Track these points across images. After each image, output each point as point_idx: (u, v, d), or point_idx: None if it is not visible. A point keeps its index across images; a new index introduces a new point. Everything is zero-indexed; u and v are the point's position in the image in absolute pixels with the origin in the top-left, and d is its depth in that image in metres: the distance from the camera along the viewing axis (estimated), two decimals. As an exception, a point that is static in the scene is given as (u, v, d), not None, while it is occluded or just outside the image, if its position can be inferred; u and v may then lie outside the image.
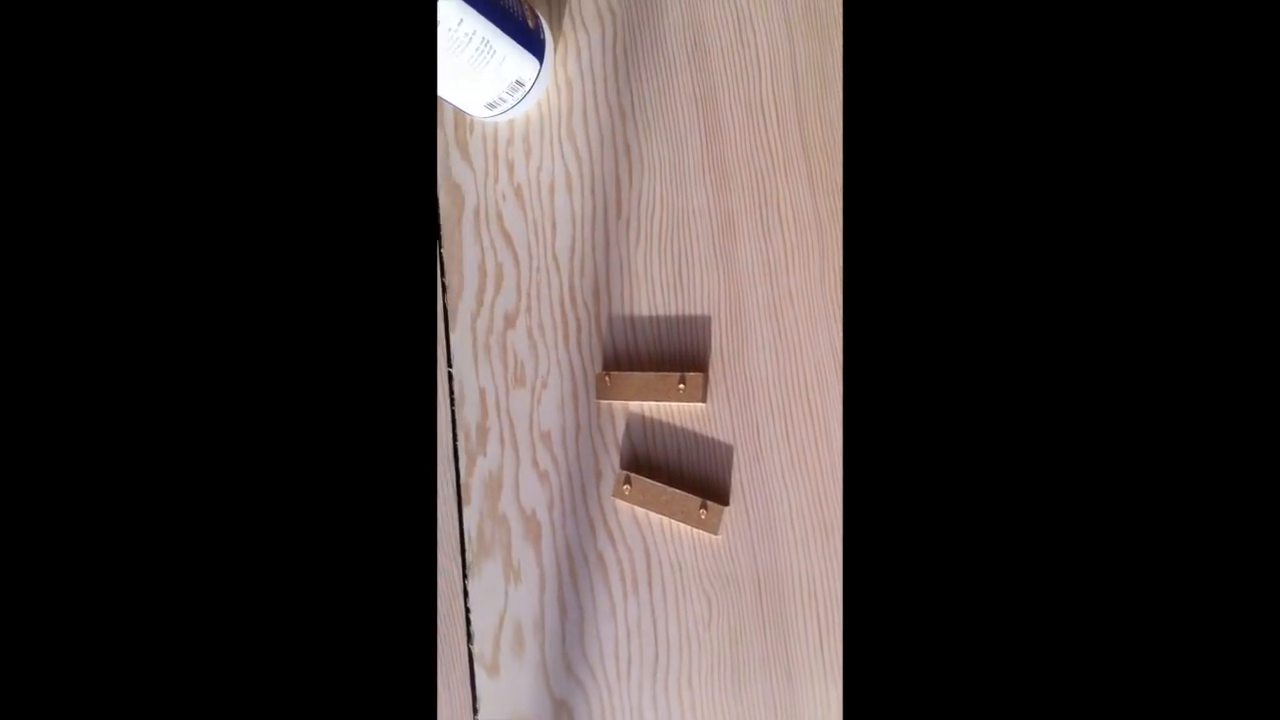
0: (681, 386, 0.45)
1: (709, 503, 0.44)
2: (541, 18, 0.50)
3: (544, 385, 0.49)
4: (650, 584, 0.46)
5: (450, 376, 0.51)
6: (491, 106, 0.49)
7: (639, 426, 0.47)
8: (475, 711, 0.48)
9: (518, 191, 0.51)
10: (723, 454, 0.45)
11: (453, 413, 0.50)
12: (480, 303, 0.51)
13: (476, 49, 0.43)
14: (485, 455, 0.49)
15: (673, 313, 0.47)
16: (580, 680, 0.46)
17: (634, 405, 0.47)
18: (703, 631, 0.44)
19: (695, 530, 0.45)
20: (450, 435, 0.50)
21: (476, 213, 0.51)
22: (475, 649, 0.48)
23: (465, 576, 0.49)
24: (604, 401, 0.47)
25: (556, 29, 0.52)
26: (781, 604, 0.43)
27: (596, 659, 0.46)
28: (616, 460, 0.47)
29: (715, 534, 0.44)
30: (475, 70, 0.45)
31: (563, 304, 0.49)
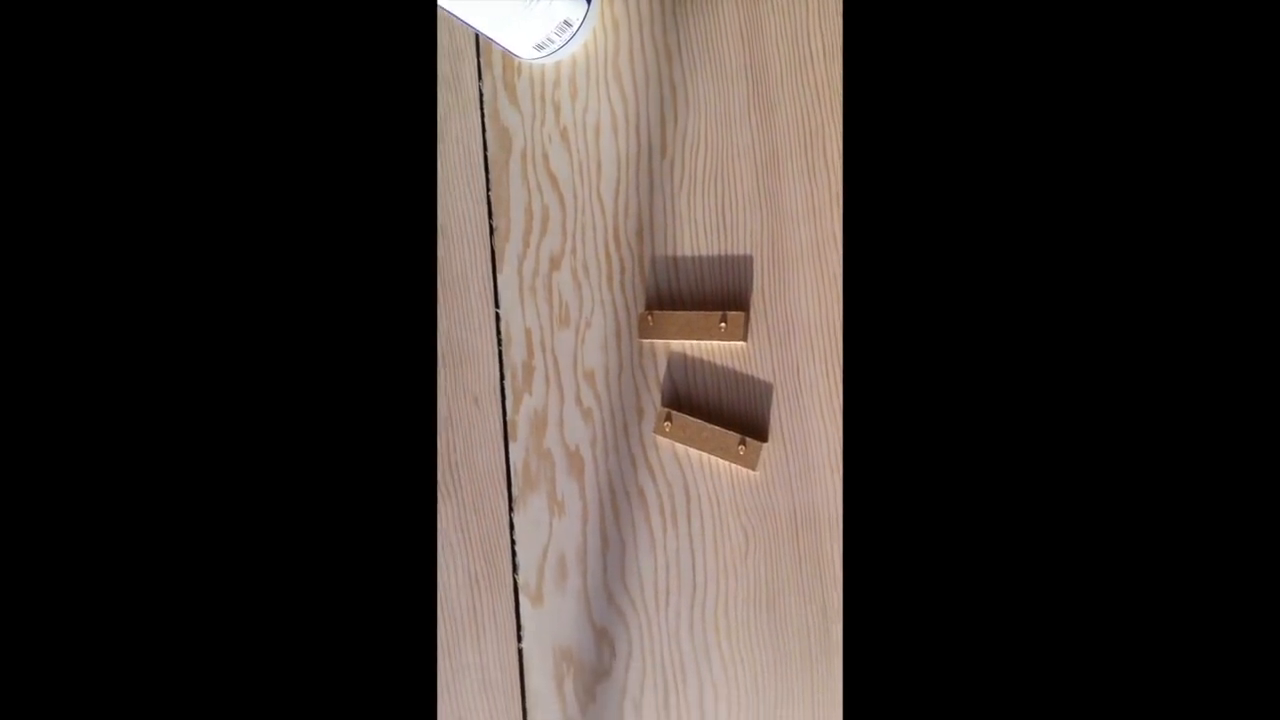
0: (723, 325, 0.45)
1: (748, 439, 0.44)
2: (588, -43, 0.50)
3: (588, 325, 0.50)
4: (689, 517, 0.47)
5: (498, 318, 0.52)
6: (540, 48, 0.49)
7: (680, 365, 0.48)
8: (519, 639, 0.50)
9: (564, 133, 0.51)
10: (762, 392, 0.46)
11: (500, 353, 0.52)
12: (526, 245, 0.52)
13: (523, -13, 0.44)
14: (531, 394, 0.51)
15: (715, 253, 0.48)
16: (620, 609, 0.48)
17: (675, 344, 0.48)
18: (740, 564, 0.46)
19: (733, 466, 0.45)
20: (498, 374, 0.52)
21: (524, 155, 0.52)
22: (520, 579, 0.50)
23: (511, 510, 0.51)
24: (646, 340, 0.48)
25: (603, -31, 0.52)
26: (818, 540, 0.44)
27: (636, 589, 0.48)
28: (658, 398, 0.48)
29: (753, 470, 0.44)
30: (526, 10, 0.45)
31: (607, 245, 0.50)
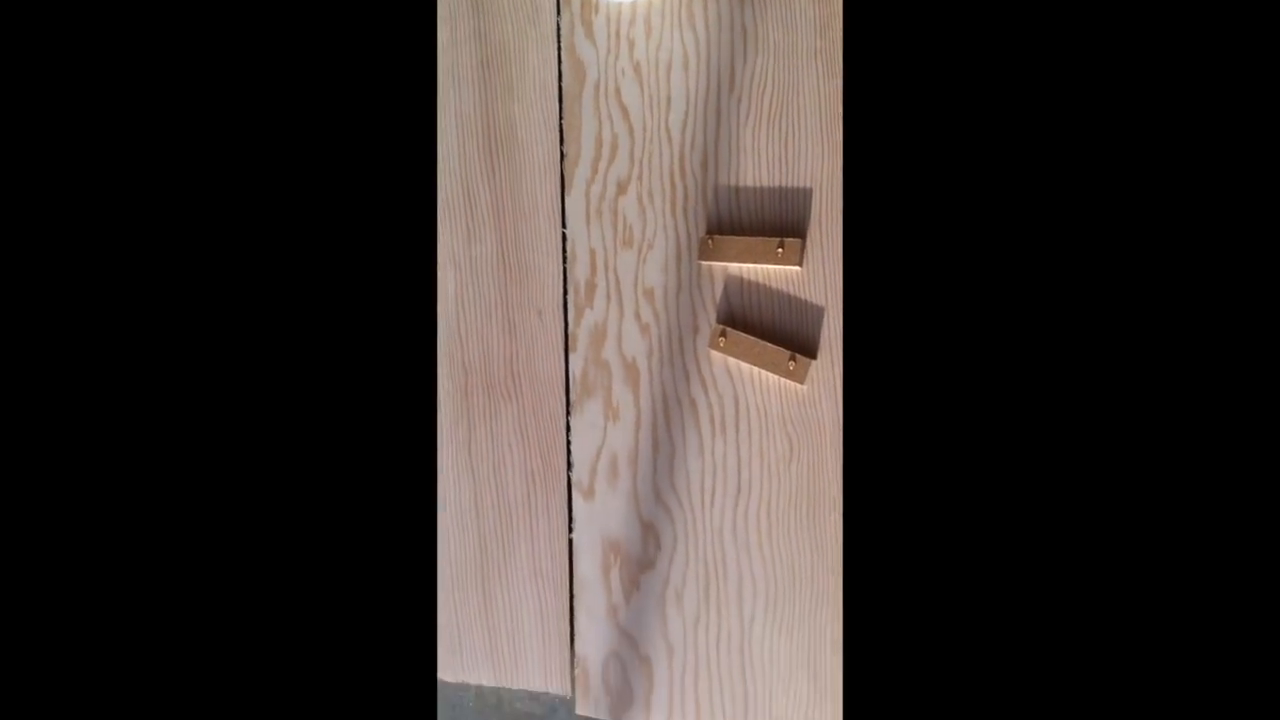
0: (780, 250, 0.49)
1: (798, 356, 0.49)
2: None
3: (650, 247, 0.54)
4: (737, 426, 0.51)
5: (564, 237, 0.56)
6: (620, -16, 0.53)
7: (736, 287, 0.52)
8: (570, 530, 0.54)
9: (636, 68, 0.55)
10: (813, 314, 0.50)
11: (565, 269, 0.56)
12: (595, 170, 0.55)
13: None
14: (592, 308, 0.55)
15: (776, 184, 0.51)
16: (668, 506, 0.52)
17: (733, 267, 0.52)
18: (784, 469, 0.50)
19: (783, 380, 0.50)
20: (561, 290, 0.56)
21: (596, 87, 0.56)
22: (574, 476, 0.55)
23: (568, 414, 0.55)
24: (705, 263, 0.52)
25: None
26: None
27: (684, 489, 0.52)
28: (713, 316, 0.52)
29: (802, 384, 0.49)
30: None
31: (672, 174, 0.54)
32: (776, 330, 0.51)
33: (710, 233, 0.52)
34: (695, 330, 0.52)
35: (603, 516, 0.54)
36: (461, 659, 0.55)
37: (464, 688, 0.56)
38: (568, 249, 0.56)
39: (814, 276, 0.50)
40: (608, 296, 0.55)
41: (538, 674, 0.54)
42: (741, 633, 0.50)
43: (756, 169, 0.52)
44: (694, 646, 0.51)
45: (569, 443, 0.55)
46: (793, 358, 0.49)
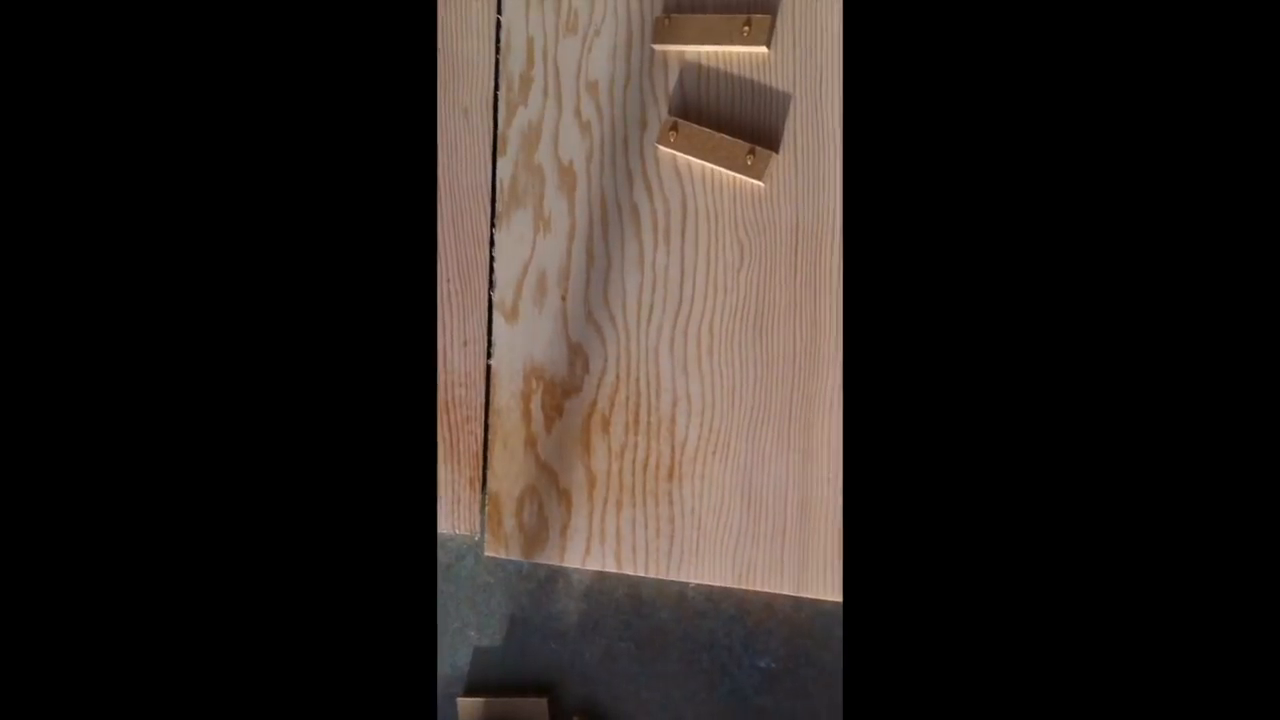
0: (746, 29, 0.43)
1: (757, 149, 0.43)
2: None
3: (597, 33, 0.47)
4: (684, 233, 0.45)
5: (499, 24, 0.49)
6: None
7: (694, 75, 0.45)
8: (489, 356, 0.48)
9: None
10: (779, 102, 0.44)
11: (497, 62, 0.49)
12: (538, -52, 0.48)
13: None
14: (526, 106, 0.48)
15: (743, -39, 0.45)
16: (599, 325, 0.46)
17: (690, 53, 0.45)
18: (731, 279, 0.44)
19: (737, 179, 0.44)
20: (492, 85, 0.49)
21: None
22: (495, 296, 0.48)
23: (493, 226, 0.49)
24: (660, 48, 0.46)
25: None
26: (817, 254, 0.43)
27: (619, 305, 0.46)
28: (665, 110, 0.46)
29: (760, 180, 0.43)
30: None
31: (627, -49, 0.47)
32: (736, 121, 0.45)
33: (668, 12, 0.46)
34: (643, 127, 0.46)
35: (526, 340, 0.48)
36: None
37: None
38: (502, 38, 0.49)
39: (782, 59, 0.44)
40: (545, 92, 0.48)
41: (444, 517, 0.48)
42: (672, 457, 0.45)
43: (723, -58, 0.45)
44: (618, 476, 0.46)
45: (492, 259, 0.49)
46: (751, 151, 0.43)
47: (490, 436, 0.48)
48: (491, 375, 0.48)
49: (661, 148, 0.45)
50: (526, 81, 0.48)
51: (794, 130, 0.44)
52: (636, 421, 0.46)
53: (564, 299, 0.47)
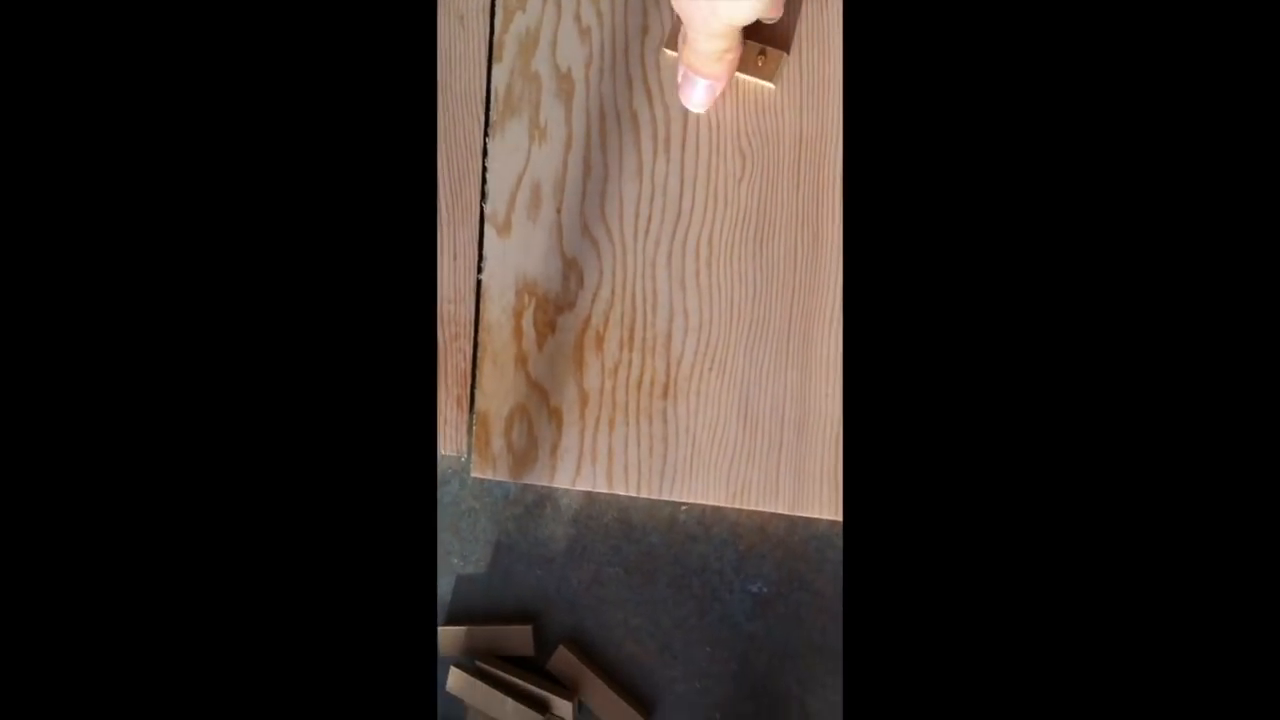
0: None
1: (768, 49, 0.41)
2: None
3: (599, -65, 0.45)
4: (684, 143, 0.44)
5: (496, -74, 0.47)
6: None
7: (697, -21, 0.44)
8: (480, 270, 0.47)
9: None
10: (787, 4, 0.42)
11: (494, -35, 0.47)
12: None
13: None
14: (524, 11, 0.46)
15: None
16: (595, 239, 0.45)
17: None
18: (732, 190, 0.43)
19: (741, 84, 0.42)
20: (488, -10, 0.47)
21: None
22: (488, 208, 0.47)
23: (486, 135, 0.47)
24: (664, -49, 0.44)
25: None
26: (819, 165, 0.42)
27: (615, 218, 0.45)
28: (668, 15, 0.44)
29: (771, 82, 0.41)
30: None
31: None
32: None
33: (671, -86, 0.44)
34: (644, 31, 0.44)
35: (519, 253, 0.46)
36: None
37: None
38: (500, -60, 0.47)
39: (790, -37, 0.42)
40: (544, -4, 0.46)
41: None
42: (668, 374, 0.44)
43: None
44: (611, 394, 0.44)
45: (485, 169, 0.47)
46: (762, 52, 0.41)
47: (480, 354, 0.46)
48: (482, 290, 0.46)
49: (667, 51, 0.43)
50: (524, -14, 0.46)
51: (800, 34, 0.42)
52: (631, 338, 0.44)
53: (559, 211, 0.45)
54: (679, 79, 0.34)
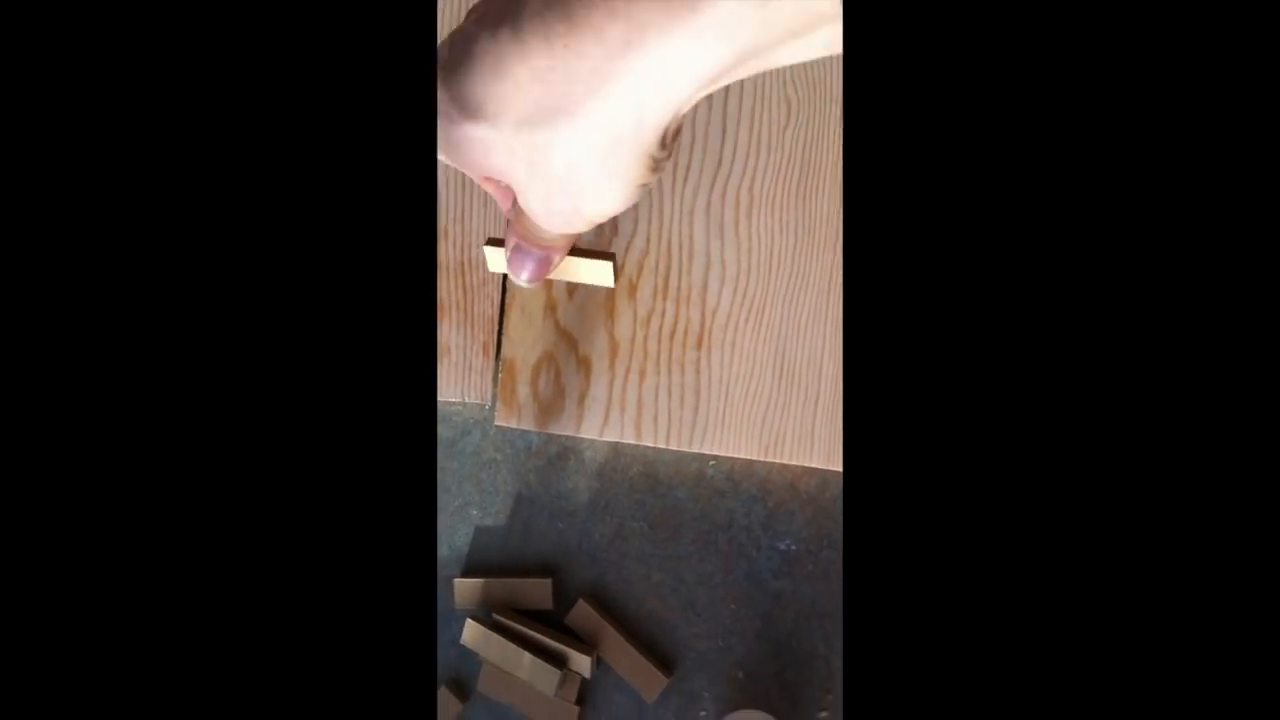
0: None
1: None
2: None
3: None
4: (728, 88, 0.43)
5: None
6: None
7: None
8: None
9: None
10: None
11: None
12: None
13: None
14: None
15: None
16: (631, 186, 0.44)
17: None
18: (776, 138, 0.42)
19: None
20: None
21: None
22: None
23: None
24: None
25: None
26: (868, 114, 0.41)
27: (653, 165, 0.44)
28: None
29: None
30: None
31: None
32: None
33: None
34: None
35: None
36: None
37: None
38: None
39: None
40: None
41: (455, 384, 0.46)
42: (702, 325, 0.43)
43: None
44: (643, 343, 0.43)
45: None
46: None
47: (507, 300, 0.45)
48: (512, 237, 0.46)
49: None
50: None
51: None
52: (666, 287, 0.43)
53: (594, 157, 0.44)
54: (507, 251, 0.29)
